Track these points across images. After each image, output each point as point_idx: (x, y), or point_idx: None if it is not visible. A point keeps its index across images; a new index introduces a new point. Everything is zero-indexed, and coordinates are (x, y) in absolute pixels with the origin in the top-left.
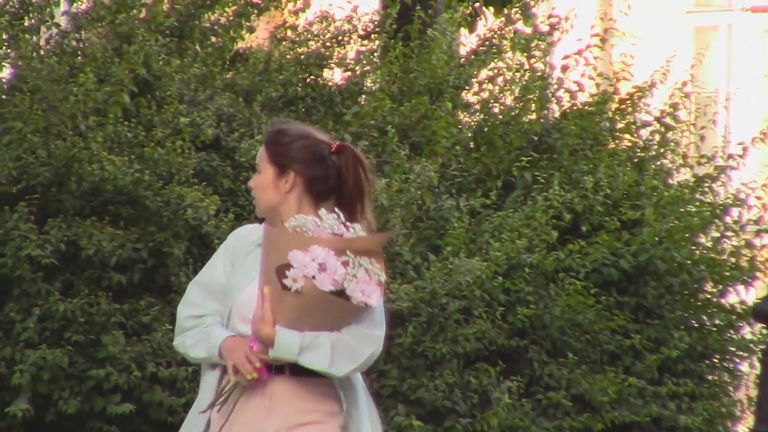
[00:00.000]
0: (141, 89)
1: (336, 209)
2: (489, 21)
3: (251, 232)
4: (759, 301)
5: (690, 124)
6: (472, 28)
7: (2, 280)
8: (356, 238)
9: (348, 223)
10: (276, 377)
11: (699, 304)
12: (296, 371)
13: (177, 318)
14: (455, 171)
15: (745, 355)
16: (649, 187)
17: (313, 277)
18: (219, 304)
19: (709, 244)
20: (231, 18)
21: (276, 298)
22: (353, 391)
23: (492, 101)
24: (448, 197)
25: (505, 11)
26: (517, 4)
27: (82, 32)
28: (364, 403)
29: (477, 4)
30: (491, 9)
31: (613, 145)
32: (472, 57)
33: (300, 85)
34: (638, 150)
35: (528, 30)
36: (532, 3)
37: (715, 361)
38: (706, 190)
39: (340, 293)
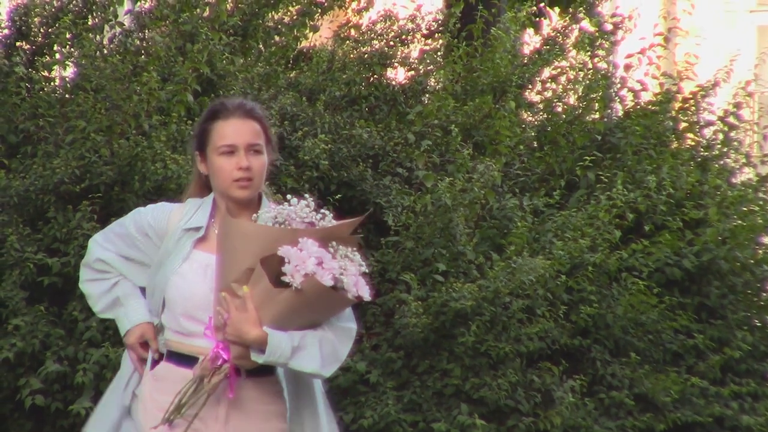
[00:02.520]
0: (204, 88)
1: (305, 195)
2: (554, 21)
3: (175, 212)
4: None
5: (753, 123)
6: (537, 28)
7: (66, 279)
8: (335, 226)
9: (319, 210)
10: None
11: (762, 303)
12: (252, 372)
13: (88, 246)
14: (518, 170)
15: None
16: (712, 187)
17: (314, 273)
18: (127, 271)
19: None
20: (295, 17)
21: (263, 297)
22: (306, 387)
23: (555, 100)
24: (511, 196)
25: (570, 10)
26: (582, 4)
27: (146, 31)
28: (320, 400)
29: (542, 4)
30: (556, 9)
31: (676, 145)
32: (536, 56)
33: (363, 84)
34: (701, 149)
35: (592, 29)
36: (597, 2)
37: None
38: None
39: (339, 288)
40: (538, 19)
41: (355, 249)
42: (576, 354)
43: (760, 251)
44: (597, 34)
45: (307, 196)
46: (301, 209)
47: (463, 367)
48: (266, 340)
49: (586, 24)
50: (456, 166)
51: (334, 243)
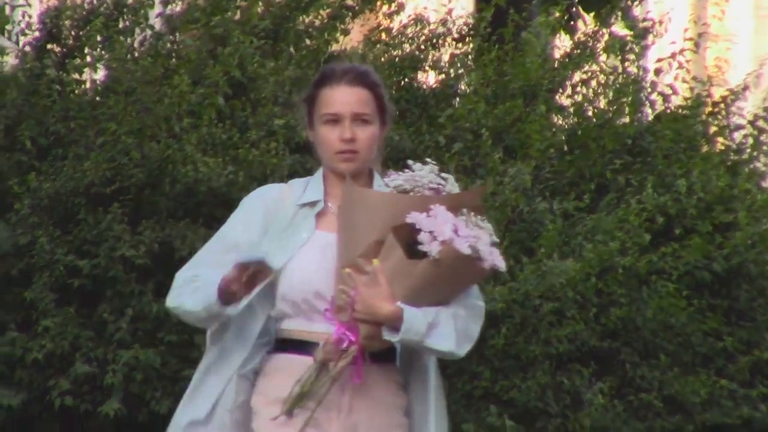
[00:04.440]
0: (235, 91)
1: (427, 160)
2: (588, 24)
3: (284, 191)
4: None
5: None
6: (571, 32)
7: (96, 281)
8: (463, 193)
9: (442, 174)
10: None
11: None
12: (377, 357)
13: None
14: (549, 174)
15: None
16: (742, 191)
17: (452, 241)
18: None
19: None
20: (325, 20)
21: (396, 269)
22: (424, 381)
23: (586, 104)
24: (541, 200)
25: (605, 14)
26: (614, 8)
27: (177, 34)
28: (432, 395)
29: (575, 9)
30: (591, 13)
31: (707, 149)
32: (566, 60)
33: (394, 87)
34: (731, 153)
35: (624, 32)
36: (631, 4)
37: None
38: None
39: (477, 257)
40: (572, 22)
41: (484, 217)
42: (605, 356)
43: None
44: (629, 38)
45: (428, 160)
46: (426, 174)
47: (493, 369)
48: (401, 316)
49: (616, 28)
50: (487, 170)
51: (464, 210)
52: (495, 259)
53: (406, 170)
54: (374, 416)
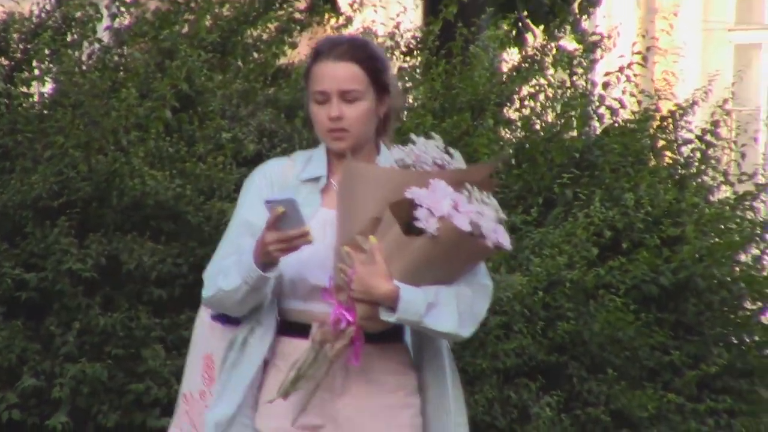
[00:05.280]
0: (183, 105)
1: (431, 133)
2: (539, 37)
3: (285, 166)
4: None
5: (731, 141)
6: (521, 45)
7: (43, 294)
8: (468, 169)
9: (448, 150)
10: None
11: (738, 321)
12: (370, 337)
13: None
14: (496, 187)
15: None
16: (689, 205)
17: (451, 217)
18: None
19: (749, 262)
20: (273, 34)
21: (393, 247)
22: (437, 358)
23: (534, 118)
24: None
25: (554, 28)
26: (562, 21)
27: (125, 47)
28: (449, 374)
29: (522, 23)
30: (540, 27)
31: (654, 163)
32: (514, 74)
33: None
34: (679, 167)
35: (575, 46)
36: (580, 18)
37: (754, 378)
38: (747, 207)
39: (478, 234)
40: (523, 35)
41: (491, 194)
42: (553, 370)
43: (737, 269)
44: (577, 53)
45: (434, 134)
46: (431, 149)
47: None
48: (399, 295)
49: (565, 42)
50: None
51: (468, 185)
52: (499, 236)
53: (410, 144)
54: (372, 398)
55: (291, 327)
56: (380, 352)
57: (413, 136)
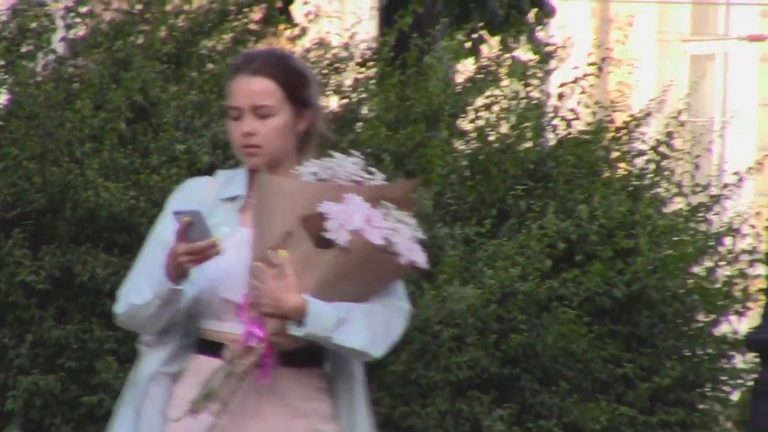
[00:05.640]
0: (137, 116)
1: (351, 151)
2: (494, 48)
3: (208, 184)
4: (752, 330)
5: (685, 152)
6: (476, 56)
7: None
8: (388, 186)
9: (369, 171)
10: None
11: (691, 333)
12: (286, 360)
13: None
14: (450, 199)
15: (737, 384)
16: (643, 216)
17: (362, 230)
18: None
19: (702, 274)
20: (228, 45)
21: (304, 261)
22: (350, 386)
23: (488, 129)
24: (442, 225)
25: (509, 38)
26: (517, 32)
27: (80, 58)
28: (361, 404)
29: (477, 34)
30: (495, 37)
31: (608, 174)
32: (469, 84)
33: None
34: (633, 179)
35: (530, 56)
36: (535, 28)
37: (707, 390)
38: (701, 219)
39: (391, 250)
40: (478, 46)
41: (411, 214)
42: (505, 383)
43: (691, 281)
44: (532, 63)
45: (355, 152)
46: (349, 164)
47: (393, 396)
48: (307, 309)
49: (519, 53)
50: None
51: (386, 203)
52: (414, 255)
53: (326, 159)
54: (285, 422)
55: (206, 346)
56: (296, 376)
57: (332, 152)
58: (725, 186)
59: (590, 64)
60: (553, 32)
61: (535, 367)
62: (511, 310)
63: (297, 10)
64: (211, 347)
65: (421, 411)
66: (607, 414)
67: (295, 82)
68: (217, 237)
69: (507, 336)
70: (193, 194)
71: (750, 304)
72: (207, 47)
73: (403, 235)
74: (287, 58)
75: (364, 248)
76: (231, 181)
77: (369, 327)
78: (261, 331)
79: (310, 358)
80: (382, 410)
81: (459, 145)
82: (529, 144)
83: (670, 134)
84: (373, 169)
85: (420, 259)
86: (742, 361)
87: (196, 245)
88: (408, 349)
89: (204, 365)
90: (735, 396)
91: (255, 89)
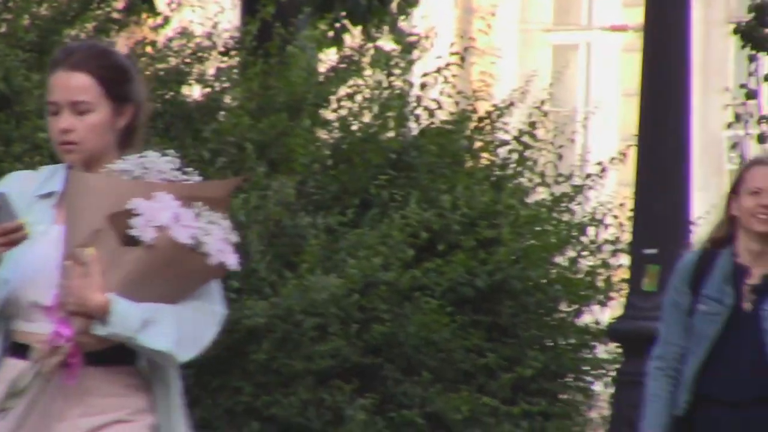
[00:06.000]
0: (0, 104)
1: (165, 151)
2: (357, 38)
3: (29, 179)
4: (614, 320)
5: (548, 143)
6: (339, 46)
7: None
8: (203, 185)
9: (184, 170)
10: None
11: (554, 323)
12: (94, 359)
13: None
14: (313, 188)
15: (599, 374)
16: (506, 206)
17: (169, 228)
18: None
19: (565, 264)
20: (91, 33)
21: (110, 258)
22: (165, 382)
23: (351, 119)
24: (305, 214)
25: (372, 28)
26: (380, 22)
27: None
28: (177, 399)
29: (343, 22)
30: (358, 27)
31: (471, 164)
32: (332, 74)
33: (159, 101)
34: (496, 169)
35: (393, 46)
36: (398, 18)
37: (569, 380)
38: (564, 209)
39: (199, 250)
40: (341, 35)
41: (225, 216)
42: (368, 372)
43: (553, 271)
44: (395, 53)
45: (170, 152)
46: (163, 163)
47: (255, 385)
48: (110, 308)
49: (382, 42)
50: (251, 184)
51: (199, 204)
52: (225, 256)
53: (138, 157)
54: (85, 422)
55: (17, 348)
56: (104, 375)
57: (146, 151)
58: (588, 176)
59: (453, 54)
60: (416, 22)
61: (398, 356)
62: (374, 300)
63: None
64: (22, 349)
65: (283, 400)
66: (469, 404)
67: (114, 77)
68: (23, 219)
69: (369, 325)
70: (13, 189)
71: (613, 295)
72: (70, 36)
73: (214, 236)
74: (107, 53)
75: (170, 246)
76: (51, 177)
77: (177, 329)
78: (67, 330)
79: (120, 356)
80: (244, 399)
81: (322, 134)
82: (391, 133)
83: (533, 124)
84: (190, 170)
85: (231, 261)
86: (604, 351)
87: (1, 227)
88: (270, 338)
89: (12, 368)
90: (597, 386)
91: (72, 84)
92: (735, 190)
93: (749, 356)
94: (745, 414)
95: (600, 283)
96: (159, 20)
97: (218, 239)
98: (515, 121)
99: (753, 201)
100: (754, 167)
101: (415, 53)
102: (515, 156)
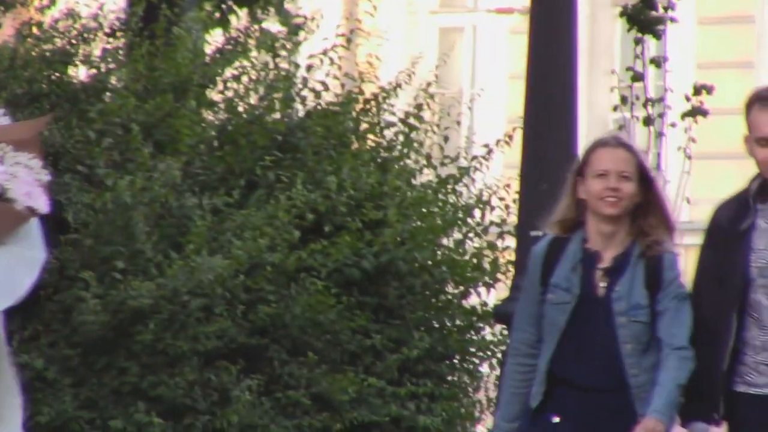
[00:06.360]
0: None
1: None
2: (244, 19)
3: None
4: (500, 302)
5: (434, 124)
6: (225, 27)
7: None
8: (7, 127)
9: None
10: None
11: (440, 305)
12: None
13: None
14: (199, 169)
15: (485, 356)
16: (392, 188)
17: None
18: None
19: (452, 246)
20: None
21: None
22: None
23: (237, 100)
24: (191, 195)
25: (258, 9)
26: (264, 3)
27: None
28: (4, 355)
29: (229, 3)
30: (244, 9)
31: (357, 146)
32: (218, 56)
33: (45, 82)
34: (382, 150)
35: (278, 27)
36: (286, 0)
37: (456, 362)
38: (450, 191)
39: (5, 198)
40: (227, 17)
41: (34, 157)
42: (254, 353)
43: (440, 253)
44: (281, 35)
45: None
46: None
47: (141, 365)
48: None
49: (268, 24)
50: (136, 165)
51: (3, 146)
52: (34, 201)
53: None
54: None
55: None
56: None
57: None
58: (474, 158)
59: (339, 36)
60: (302, 4)
61: (284, 337)
62: (260, 281)
63: None
64: None
65: (169, 381)
66: (356, 385)
67: None
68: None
69: (255, 306)
70: None
71: (499, 276)
72: None
73: (20, 179)
74: None
75: None
76: None
77: None
78: None
79: None
80: (131, 379)
81: (208, 115)
82: (277, 115)
83: (419, 106)
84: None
85: (41, 204)
86: (491, 333)
87: None
88: (156, 318)
89: None
90: (483, 368)
91: None
92: (580, 173)
93: (603, 342)
94: (600, 400)
95: (486, 265)
96: (45, 1)
97: (26, 182)
98: (401, 103)
99: (600, 184)
100: (599, 149)
101: (302, 35)
102: (401, 138)
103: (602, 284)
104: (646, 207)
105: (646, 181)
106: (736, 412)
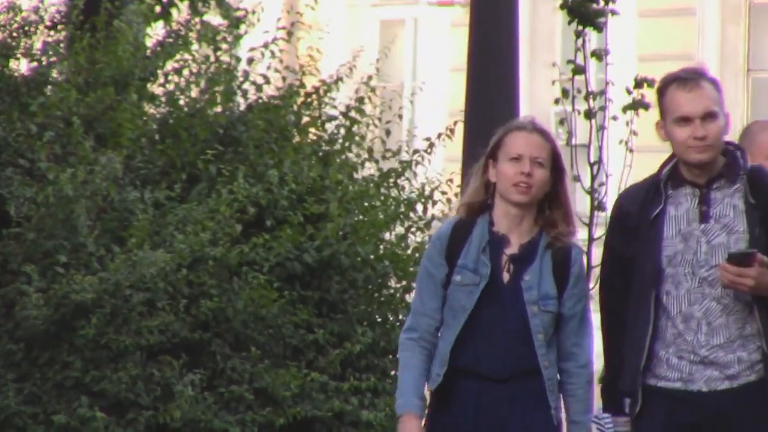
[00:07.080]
0: None
1: None
2: (185, 12)
3: None
4: None
5: (376, 118)
6: (166, 20)
7: None
8: None
9: None
10: None
11: (383, 299)
12: None
13: None
14: (140, 163)
15: None
16: (334, 182)
17: None
18: None
19: (394, 240)
20: None
21: None
22: None
23: (178, 93)
24: (132, 189)
25: (199, 2)
26: None
27: None
28: None
29: None
30: (186, 1)
31: (299, 139)
32: (159, 49)
33: None
34: (324, 144)
35: (220, 21)
36: None
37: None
38: (392, 185)
39: None
40: (168, 10)
41: None
42: (196, 348)
43: (382, 247)
44: (222, 28)
45: None
46: None
47: (84, 360)
48: None
49: (209, 17)
50: (78, 158)
51: None
52: None
53: None
54: None
55: None
56: None
57: None
58: (416, 152)
59: (280, 29)
60: None
61: (226, 332)
62: (202, 275)
63: None
64: None
65: (112, 375)
66: (299, 380)
67: None
68: None
69: (198, 301)
70: None
71: None
72: None
73: None
74: None
75: None
76: None
77: None
78: None
79: None
80: (73, 374)
81: (149, 108)
82: (219, 108)
83: (360, 99)
84: None
85: None
86: None
87: None
88: (98, 313)
89: None
90: None
91: None
92: (493, 155)
93: (508, 327)
94: (505, 386)
95: None
96: None
97: None
98: (343, 96)
99: (513, 168)
100: (514, 132)
101: (243, 28)
102: (343, 131)
103: (509, 271)
104: (552, 198)
105: (557, 171)
106: (645, 406)
